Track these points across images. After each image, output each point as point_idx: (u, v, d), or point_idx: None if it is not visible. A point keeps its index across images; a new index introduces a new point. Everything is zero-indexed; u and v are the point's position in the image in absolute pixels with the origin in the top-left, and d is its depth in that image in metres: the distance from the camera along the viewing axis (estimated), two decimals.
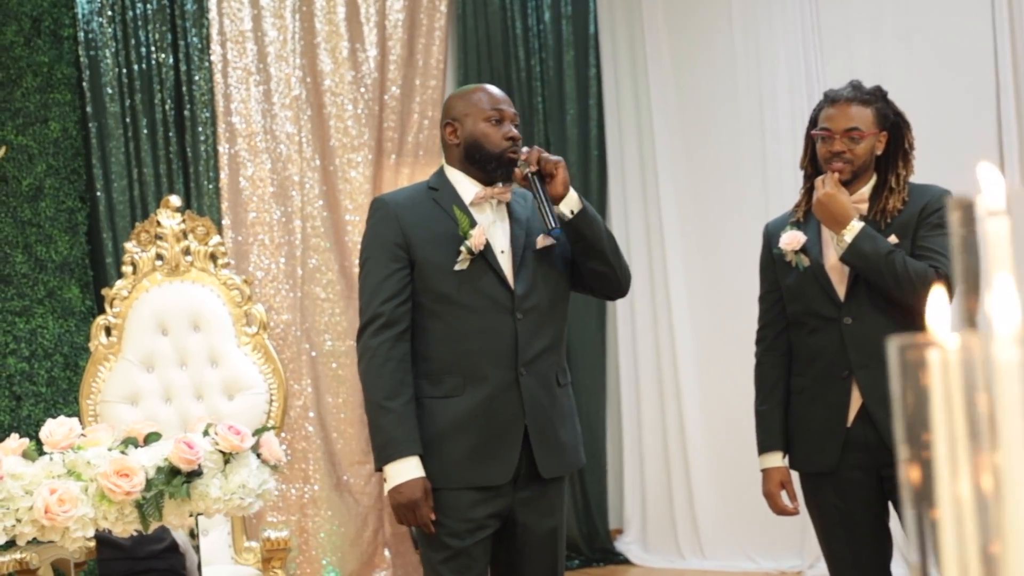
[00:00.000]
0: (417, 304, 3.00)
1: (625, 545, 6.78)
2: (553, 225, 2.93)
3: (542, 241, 3.03)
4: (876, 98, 3.17)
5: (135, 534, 4.15)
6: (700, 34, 6.68)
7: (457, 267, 2.96)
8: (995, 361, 0.82)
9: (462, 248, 2.95)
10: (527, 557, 3.05)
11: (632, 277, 3.21)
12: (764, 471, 3.36)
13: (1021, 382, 0.81)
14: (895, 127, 3.18)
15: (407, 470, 2.90)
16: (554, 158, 2.98)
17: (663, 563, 6.59)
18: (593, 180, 6.86)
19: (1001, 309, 0.84)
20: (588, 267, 3.06)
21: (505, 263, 3.01)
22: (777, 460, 3.33)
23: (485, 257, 2.97)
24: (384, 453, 2.94)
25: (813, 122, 3.26)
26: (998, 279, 0.85)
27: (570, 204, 2.96)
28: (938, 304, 0.89)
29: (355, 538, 5.93)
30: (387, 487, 2.95)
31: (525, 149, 3.01)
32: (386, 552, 6.06)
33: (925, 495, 0.88)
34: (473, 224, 2.98)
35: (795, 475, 3.38)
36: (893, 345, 0.89)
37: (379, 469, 2.98)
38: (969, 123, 5.61)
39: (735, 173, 6.46)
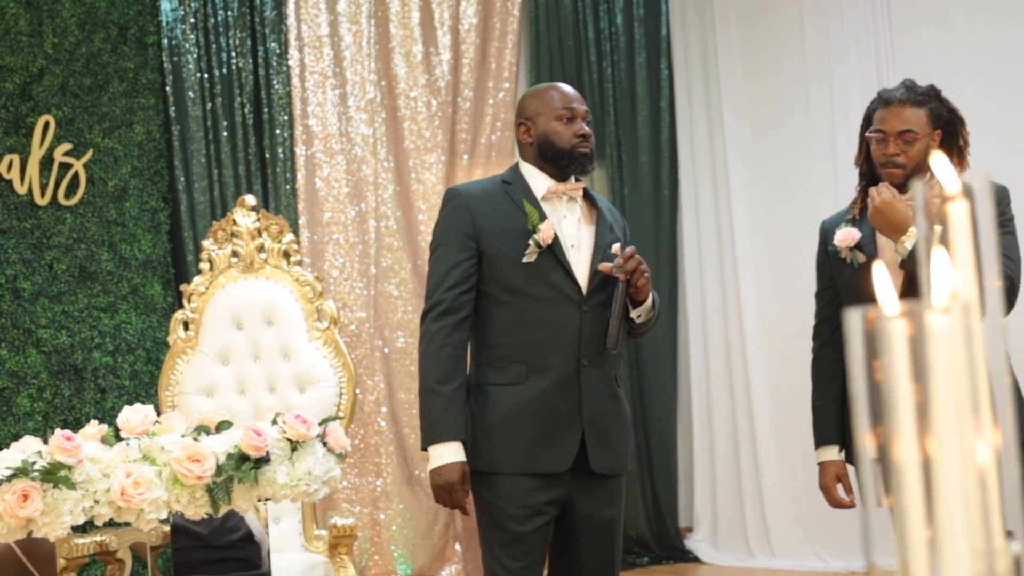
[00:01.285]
0: (485, 293, 3.09)
1: (695, 543, 6.82)
2: (611, 346, 3.03)
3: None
4: (929, 98, 3.16)
5: (212, 523, 4.33)
6: (771, 35, 6.70)
7: (525, 259, 3.04)
8: (929, 329, 0.89)
9: (530, 241, 3.04)
10: (585, 545, 3.12)
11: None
12: (820, 465, 3.41)
13: (951, 348, 0.88)
14: (949, 124, 3.17)
15: (448, 454, 3.00)
16: (644, 268, 3.04)
17: (732, 561, 6.61)
18: (664, 181, 6.91)
19: (938, 282, 0.91)
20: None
21: (574, 257, 3.08)
22: (833, 454, 3.38)
23: (553, 251, 3.05)
24: (429, 435, 3.05)
25: (868, 121, 3.27)
26: (935, 254, 0.93)
27: (642, 312, 3.10)
28: (882, 279, 0.96)
29: (426, 531, 6.05)
30: (429, 467, 3.06)
31: (629, 248, 3.04)
32: (457, 546, 6.17)
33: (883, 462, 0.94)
34: (543, 218, 3.06)
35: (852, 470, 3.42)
36: (852, 317, 0.97)
37: (424, 449, 3.09)
38: None
39: (805, 173, 6.47)
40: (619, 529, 3.18)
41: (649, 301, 3.10)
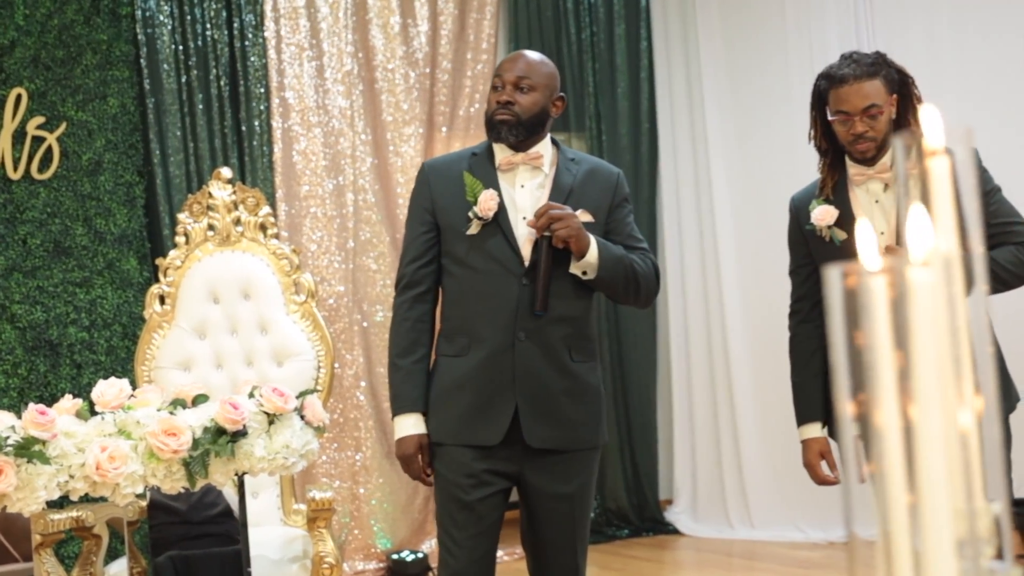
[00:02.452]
0: (443, 266, 3.13)
1: (675, 515, 6.83)
2: (538, 308, 2.97)
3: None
4: (880, 66, 3.12)
5: (191, 499, 4.30)
6: (751, 5, 6.66)
7: (468, 231, 3.06)
8: (910, 282, 0.87)
9: (469, 214, 3.05)
10: (542, 519, 3.11)
11: (654, 299, 3.24)
12: (804, 442, 3.40)
13: (933, 303, 0.87)
14: (902, 86, 3.15)
15: (407, 425, 3.10)
16: (566, 233, 2.94)
17: (712, 533, 6.63)
18: (644, 153, 6.89)
19: (916, 237, 0.90)
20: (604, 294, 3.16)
21: (522, 230, 3.05)
22: (816, 431, 3.37)
23: (498, 221, 3.04)
24: (392, 407, 3.16)
25: (820, 100, 3.24)
26: (913, 210, 0.91)
27: (584, 267, 3.01)
28: (865, 235, 0.94)
29: (406, 506, 6.04)
30: (393, 439, 3.13)
31: (543, 205, 3.00)
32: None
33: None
34: (482, 189, 3.06)
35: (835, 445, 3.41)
36: (831, 275, 0.95)
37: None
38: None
39: (786, 147, 6.45)
40: (581, 505, 3.13)
41: (593, 254, 3.00)
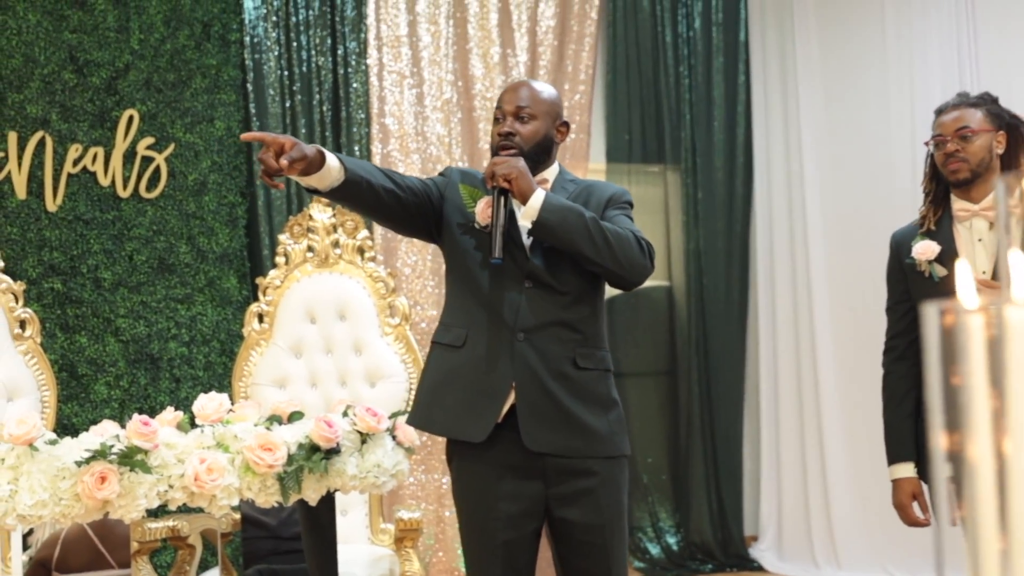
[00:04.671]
0: (450, 257, 3.15)
1: (760, 552, 6.77)
2: (495, 255, 2.93)
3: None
4: (984, 101, 3.20)
5: (281, 515, 4.38)
6: (851, 42, 6.64)
7: (473, 225, 3.08)
8: (1007, 321, 0.89)
9: (474, 224, 3.07)
10: (573, 553, 3.06)
11: (652, 269, 3.06)
12: (894, 482, 3.36)
13: None
14: (1012, 128, 3.17)
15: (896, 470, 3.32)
16: (506, 171, 2.93)
17: (797, 571, 6.56)
18: (739, 186, 6.88)
19: (1017, 278, 0.92)
20: (579, 261, 3.02)
21: (526, 240, 3.04)
22: (908, 471, 3.34)
23: (511, 235, 3.02)
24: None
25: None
26: (1014, 252, 0.93)
27: (527, 215, 2.94)
28: (963, 274, 0.97)
29: None
30: None
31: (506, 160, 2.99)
32: None
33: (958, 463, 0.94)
34: (481, 196, 3.06)
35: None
36: (929, 312, 0.97)
37: None
38: None
39: (883, 182, 6.40)
40: (615, 536, 3.07)
41: (539, 197, 2.92)
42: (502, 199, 2.95)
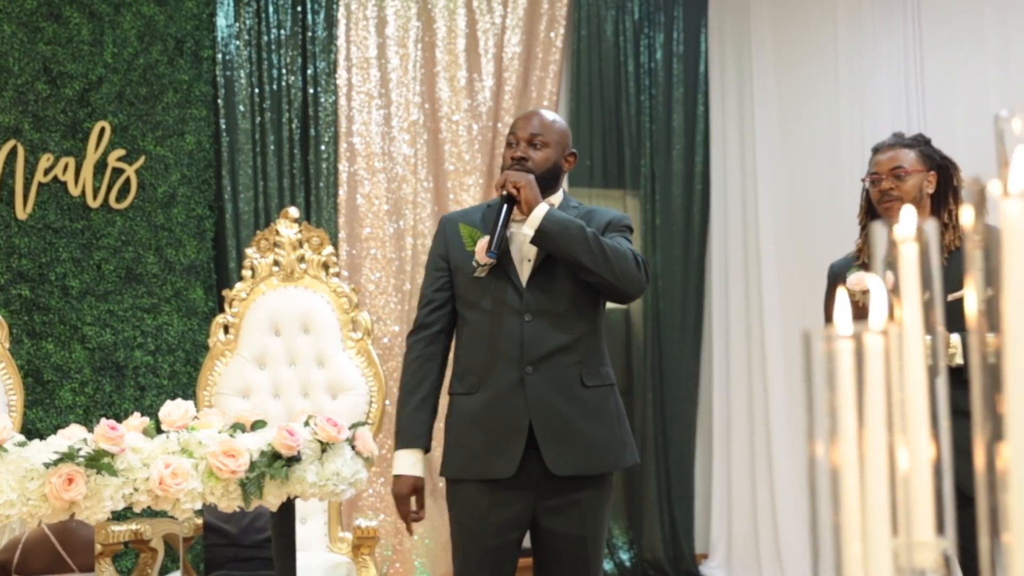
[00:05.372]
0: (456, 309, 3.31)
1: (710, 569, 6.93)
2: (492, 248, 3.09)
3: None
4: (917, 142, 3.38)
5: (241, 522, 4.48)
6: (806, 77, 6.85)
7: (475, 275, 3.22)
8: (864, 345, 1.05)
9: (473, 262, 3.22)
10: (555, 563, 3.21)
11: (647, 283, 3.23)
12: None
13: (883, 365, 1.04)
14: (942, 168, 3.35)
15: (405, 464, 3.29)
16: (516, 178, 3.12)
17: None
18: (696, 213, 7.07)
19: (876, 308, 1.08)
20: (578, 273, 3.18)
21: (524, 270, 3.20)
22: None
23: (503, 265, 3.19)
24: (396, 441, 3.33)
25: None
26: (875, 289, 1.09)
27: (530, 224, 3.10)
28: (842, 303, 1.13)
29: (447, 542, 6.15)
30: (392, 473, 3.30)
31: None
32: None
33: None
34: (480, 236, 3.22)
35: None
36: (805, 337, 1.13)
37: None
38: None
39: (833, 210, 6.61)
40: (594, 547, 3.22)
41: (542, 208, 3.09)
42: (505, 207, 3.12)
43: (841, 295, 1.16)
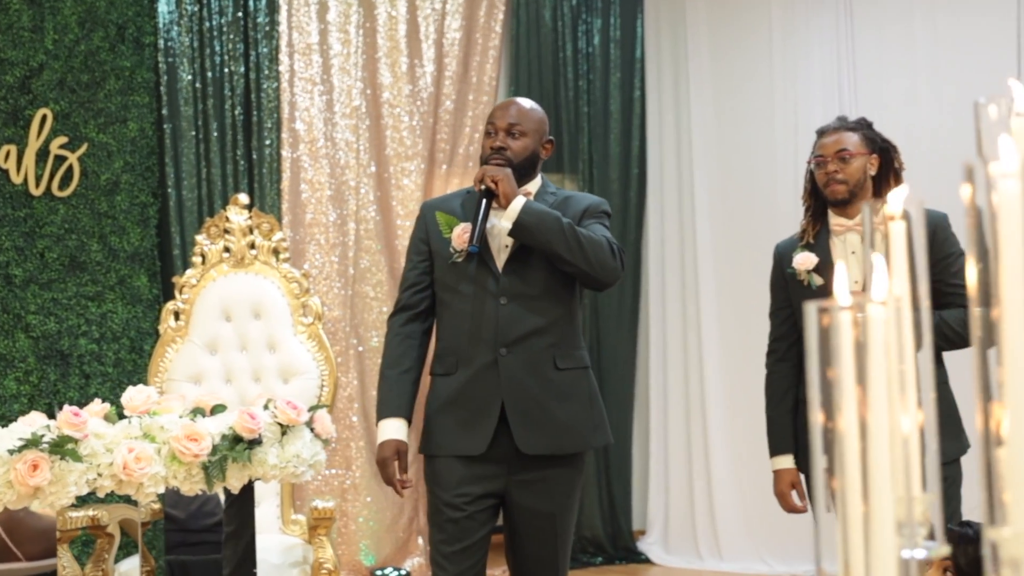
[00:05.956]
0: (435, 293, 3.40)
1: (647, 545, 7.09)
2: (473, 241, 3.20)
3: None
4: (861, 125, 3.50)
5: (190, 508, 4.52)
6: (741, 61, 7.00)
7: (453, 260, 3.33)
8: (868, 316, 1.15)
9: (451, 248, 3.33)
10: (524, 536, 3.33)
11: (622, 271, 3.32)
12: (776, 472, 3.62)
13: (887, 333, 1.14)
14: (884, 151, 3.48)
15: (388, 430, 3.33)
16: (494, 173, 3.20)
17: (682, 563, 6.89)
18: (632, 196, 7.19)
19: (878, 281, 1.18)
20: (555, 262, 3.27)
21: (501, 256, 3.30)
22: (788, 462, 3.60)
23: (480, 251, 3.26)
24: (377, 414, 3.40)
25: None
26: (877, 264, 1.19)
27: (508, 217, 3.20)
28: (840, 274, 1.22)
29: (391, 525, 6.28)
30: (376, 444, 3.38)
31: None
32: (419, 540, 6.40)
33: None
34: (457, 223, 3.32)
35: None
36: (809, 309, 1.22)
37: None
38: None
39: (768, 192, 6.77)
40: (564, 524, 3.33)
41: (519, 203, 3.19)
42: (484, 201, 3.21)
43: (840, 270, 1.25)
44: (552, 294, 3.31)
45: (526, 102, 3.44)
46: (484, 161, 3.35)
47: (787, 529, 6.29)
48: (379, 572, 6.07)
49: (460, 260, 3.31)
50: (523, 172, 3.34)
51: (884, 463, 1.17)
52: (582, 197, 3.46)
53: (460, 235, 3.29)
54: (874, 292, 1.18)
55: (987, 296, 1.06)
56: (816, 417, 1.24)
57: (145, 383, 5.33)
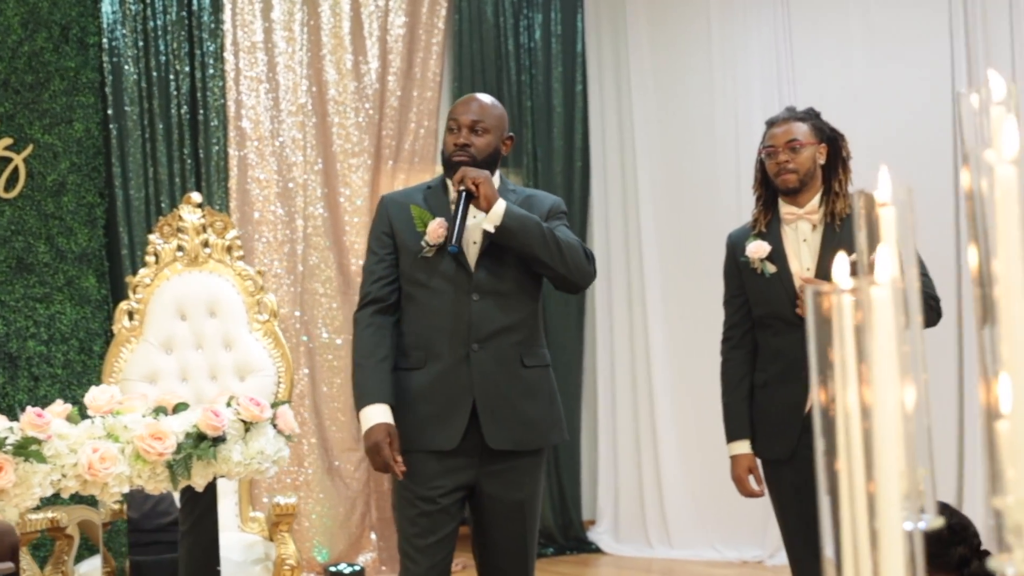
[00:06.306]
0: (401, 287, 3.40)
1: (597, 535, 7.17)
2: (453, 242, 3.24)
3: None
4: (810, 115, 3.57)
5: (143, 508, 4.50)
6: (681, 55, 7.10)
7: (423, 255, 3.34)
8: (872, 299, 1.21)
9: (422, 243, 3.33)
10: (494, 526, 3.37)
11: (595, 275, 3.46)
12: (733, 458, 3.66)
13: (891, 313, 1.20)
14: (832, 140, 3.56)
15: (373, 416, 3.27)
16: (475, 175, 3.23)
17: (633, 552, 6.98)
18: (576, 188, 7.26)
19: (881, 265, 1.24)
20: (532, 265, 3.34)
21: (472, 252, 3.33)
22: (745, 448, 3.63)
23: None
24: (358, 404, 3.35)
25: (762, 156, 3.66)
26: (882, 249, 1.25)
27: (491, 220, 3.25)
28: (840, 264, 1.28)
29: (344, 521, 6.30)
30: (362, 433, 3.35)
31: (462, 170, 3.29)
32: (372, 535, 6.42)
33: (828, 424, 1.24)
34: (431, 219, 3.34)
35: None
36: (808, 291, 1.28)
37: (358, 417, 3.38)
38: (927, 138, 6.08)
39: (710, 184, 6.88)
40: (531, 511, 3.39)
41: (501, 205, 3.24)
42: (463, 201, 3.23)
43: (840, 259, 1.31)
44: (523, 292, 3.36)
45: (487, 98, 3.47)
46: (447, 157, 3.38)
47: (736, 516, 6.42)
48: (333, 568, 6.08)
49: (430, 255, 3.32)
50: (484, 168, 3.35)
51: (891, 440, 1.23)
52: (544, 197, 3.50)
53: (436, 230, 3.30)
54: (878, 275, 1.24)
55: (987, 276, 1.12)
56: (817, 399, 1.29)
57: (96, 383, 5.31)
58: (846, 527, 1.23)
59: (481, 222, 3.29)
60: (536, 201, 3.45)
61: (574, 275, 3.33)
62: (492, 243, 3.31)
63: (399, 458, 3.25)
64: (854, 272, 1.30)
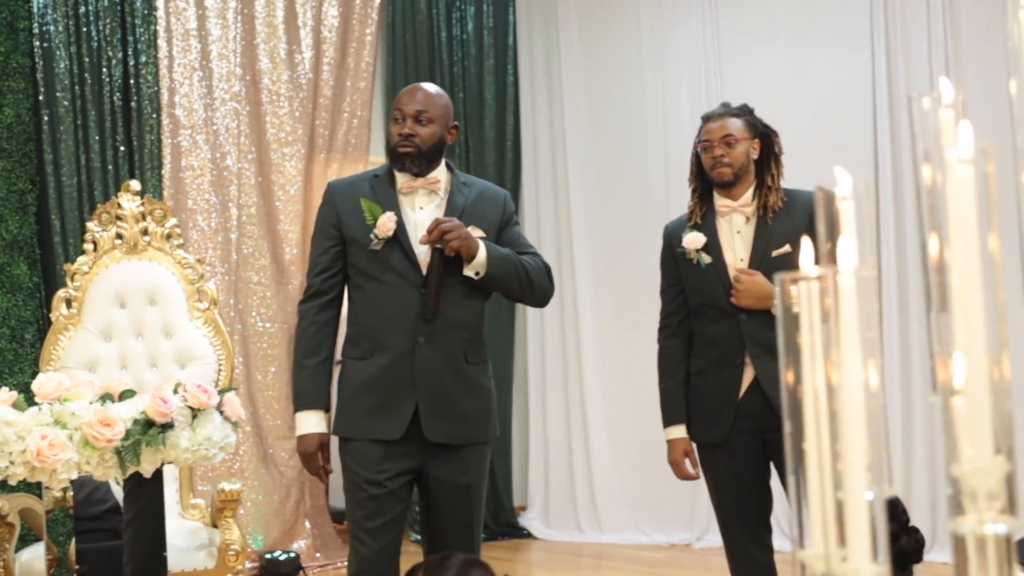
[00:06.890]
0: (349, 277, 3.45)
1: (528, 521, 7.27)
2: (429, 313, 3.30)
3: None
4: (744, 111, 3.69)
5: (78, 495, 4.50)
6: (611, 49, 7.21)
7: (371, 247, 3.37)
8: (839, 286, 1.31)
9: (371, 235, 3.36)
10: (441, 508, 3.43)
11: (551, 295, 3.57)
12: (669, 442, 3.75)
13: (856, 300, 1.30)
14: (765, 136, 3.68)
15: (309, 423, 3.40)
16: (455, 238, 3.24)
17: (563, 537, 7.09)
18: (507, 179, 7.34)
19: (844, 254, 1.34)
20: (502, 294, 3.47)
21: (421, 246, 3.35)
22: (681, 432, 3.73)
23: (398, 239, 3.34)
24: (295, 403, 3.45)
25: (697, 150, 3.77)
26: (844, 239, 1.35)
27: (475, 268, 3.33)
28: (807, 253, 1.38)
29: (278, 508, 6.32)
30: (296, 434, 3.44)
31: (433, 221, 3.29)
32: (307, 523, 6.46)
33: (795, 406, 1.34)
34: (381, 212, 3.37)
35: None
36: (777, 280, 1.38)
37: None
38: (848, 130, 6.26)
39: (640, 177, 7.00)
40: (477, 494, 3.46)
41: (483, 254, 3.31)
42: (439, 258, 3.27)
43: (806, 246, 1.41)
44: (471, 289, 3.40)
45: (432, 87, 3.49)
46: (392, 148, 3.41)
47: (664, 501, 6.57)
48: (268, 555, 6.11)
49: (379, 248, 3.35)
50: (430, 158, 3.39)
51: (859, 419, 1.33)
52: (494, 194, 3.54)
53: (385, 223, 3.33)
54: (842, 264, 1.34)
55: (942, 265, 1.23)
56: (786, 382, 1.38)
57: (29, 371, 5.29)
58: (814, 500, 1.32)
59: (434, 221, 3.31)
60: (487, 200, 3.49)
61: (539, 299, 3.51)
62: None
63: (327, 466, 3.40)
64: (790, 263, 1.40)
